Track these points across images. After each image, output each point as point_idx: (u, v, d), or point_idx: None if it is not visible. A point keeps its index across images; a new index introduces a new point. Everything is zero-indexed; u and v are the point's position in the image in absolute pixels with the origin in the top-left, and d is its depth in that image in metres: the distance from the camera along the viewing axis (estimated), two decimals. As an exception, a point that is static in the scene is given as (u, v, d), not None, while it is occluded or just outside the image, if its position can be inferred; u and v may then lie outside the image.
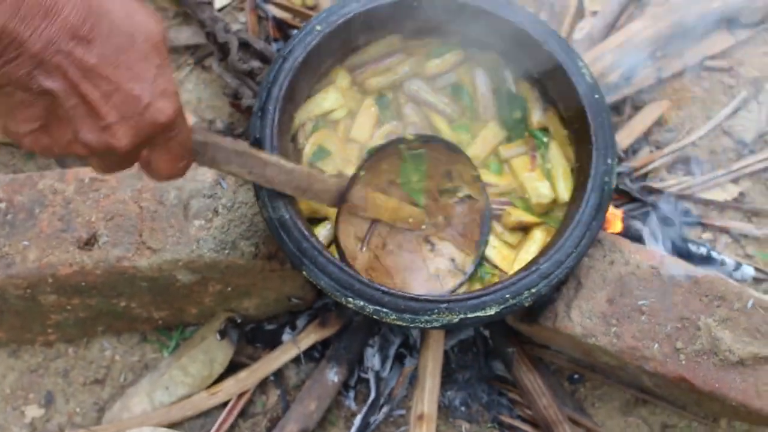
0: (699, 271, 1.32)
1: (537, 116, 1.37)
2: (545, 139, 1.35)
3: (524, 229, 1.33)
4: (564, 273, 1.21)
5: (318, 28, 1.29)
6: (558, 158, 1.34)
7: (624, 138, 1.62)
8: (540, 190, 1.32)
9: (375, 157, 1.27)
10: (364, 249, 1.28)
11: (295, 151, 1.34)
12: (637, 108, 1.67)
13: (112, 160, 0.86)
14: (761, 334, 1.28)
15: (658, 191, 1.58)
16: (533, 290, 1.19)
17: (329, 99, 1.37)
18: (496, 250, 1.31)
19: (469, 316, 1.18)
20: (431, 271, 1.29)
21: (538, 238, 1.30)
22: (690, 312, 1.29)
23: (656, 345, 1.28)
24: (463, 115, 1.40)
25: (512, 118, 1.38)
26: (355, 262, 1.26)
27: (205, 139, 1.02)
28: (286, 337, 1.51)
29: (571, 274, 1.31)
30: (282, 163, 1.12)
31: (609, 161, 1.26)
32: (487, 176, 1.35)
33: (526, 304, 1.20)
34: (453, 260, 1.30)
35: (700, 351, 1.27)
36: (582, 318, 1.29)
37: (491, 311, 1.18)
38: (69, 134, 0.82)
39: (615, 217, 1.46)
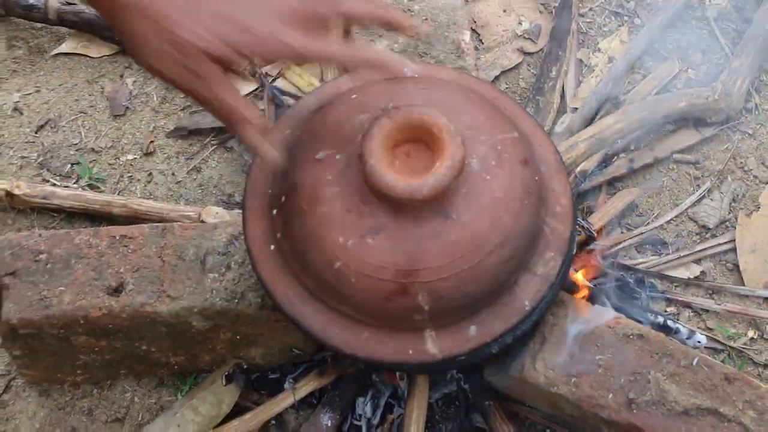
0: (651, 332, 1.49)
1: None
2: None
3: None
4: (528, 326, 1.39)
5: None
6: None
7: (598, 220, 1.81)
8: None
9: None
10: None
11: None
12: (610, 194, 1.87)
13: None
14: (704, 389, 1.44)
15: (628, 267, 1.76)
16: (499, 339, 1.37)
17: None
18: None
19: (441, 358, 1.36)
20: None
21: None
22: (641, 367, 1.45)
23: (611, 395, 1.44)
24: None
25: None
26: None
27: None
28: (287, 385, 1.67)
29: (537, 330, 1.48)
30: None
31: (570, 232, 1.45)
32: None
33: (494, 351, 1.38)
34: None
35: (650, 401, 1.43)
36: (546, 369, 1.47)
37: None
38: None
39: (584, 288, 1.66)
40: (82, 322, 1.53)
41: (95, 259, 1.57)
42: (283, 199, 1.37)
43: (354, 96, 1.42)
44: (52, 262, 1.57)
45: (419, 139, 1.30)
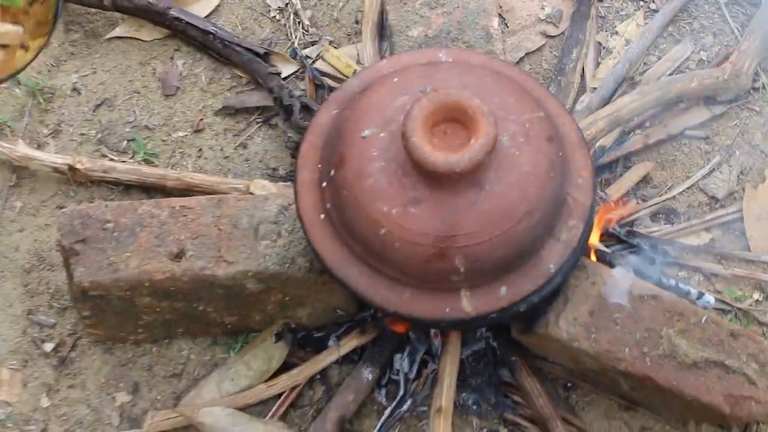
0: (663, 293, 1.65)
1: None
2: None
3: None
4: (552, 287, 1.54)
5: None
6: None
7: (614, 191, 1.95)
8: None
9: None
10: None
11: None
12: (627, 167, 2.01)
13: None
14: (712, 344, 1.60)
15: (643, 235, 1.91)
16: (527, 298, 1.52)
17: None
18: None
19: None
20: None
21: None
22: (655, 324, 1.61)
23: (627, 349, 1.60)
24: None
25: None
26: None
27: None
28: (331, 343, 1.83)
29: (560, 292, 1.63)
30: None
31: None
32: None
33: (521, 309, 1.53)
34: None
35: (662, 355, 1.59)
36: (568, 326, 1.62)
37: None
38: None
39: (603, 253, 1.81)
40: (146, 284, 1.69)
41: (157, 227, 1.73)
42: (332, 172, 1.52)
43: (395, 79, 1.57)
44: (119, 230, 1.72)
45: (455, 119, 1.44)
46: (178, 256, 1.70)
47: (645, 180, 2.01)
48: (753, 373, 1.57)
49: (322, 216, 1.54)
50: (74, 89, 2.16)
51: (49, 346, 1.89)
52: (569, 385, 1.82)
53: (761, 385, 1.57)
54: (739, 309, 1.87)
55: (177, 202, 1.76)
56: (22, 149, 2.01)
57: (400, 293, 1.51)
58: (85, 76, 2.18)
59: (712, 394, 1.57)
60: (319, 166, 1.57)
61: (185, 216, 1.74)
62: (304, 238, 1.64)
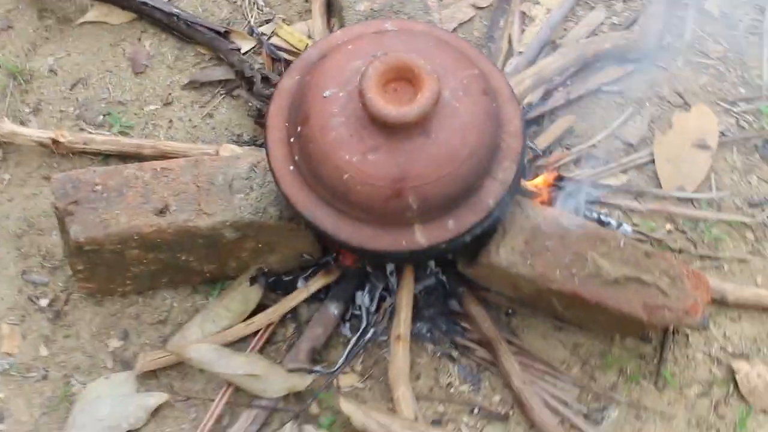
0: (588, 223, 1.91)
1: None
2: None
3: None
4: (492, 220, 1.79)
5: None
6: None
7: (542, 142, 2.21)
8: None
9: None
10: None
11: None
12: (552, 121, 2.27)
13: None
14: (630, 263, 1.85)
15: (569, 178, 2.17)
16: (471, 230, 1.77)
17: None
18: None
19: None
20: None
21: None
22: (581, 249, 1.86)
23: (558, 271, 1.84)
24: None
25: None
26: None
27: None
28: (299, 284, 2.05)
29: (499, 225, 1.88)
30: None
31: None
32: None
33: (467, 240, 1.78)
34: None
35: (588, 274, 1.84)
36: (507, 255, 1.86)
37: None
38: None
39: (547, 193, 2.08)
40: (136, 237, 1.90)
41: (142, 187, 1.93)
42: (298, 129, 1.75)
43: (349, 47, 1.81)
44: (107, 191, 1.92)
45: (404, 78, 1.68)
46: (163, 211, 1.90)
47: (568, 131, 2.27)
48: (665, 286, 1.83)
49: (292, 167, 1.77)
50: (51, 70, 2.36)
51: (44, 302, 2.08)
52: (510, 311, 2.06)
53: (672, 295, 1.83)
54: (654, 238, 2.14)
55: (158, 164, 1.96)
56: (7, 126, 2.20)
57: (363, 230, 1.75)
58: (61, 58, 2.38)
59: (631, 305, 1.83)
60: (287, 124, 1.80)
61: (166, 176, 1.94)
62: (274, 190, 1.87)
